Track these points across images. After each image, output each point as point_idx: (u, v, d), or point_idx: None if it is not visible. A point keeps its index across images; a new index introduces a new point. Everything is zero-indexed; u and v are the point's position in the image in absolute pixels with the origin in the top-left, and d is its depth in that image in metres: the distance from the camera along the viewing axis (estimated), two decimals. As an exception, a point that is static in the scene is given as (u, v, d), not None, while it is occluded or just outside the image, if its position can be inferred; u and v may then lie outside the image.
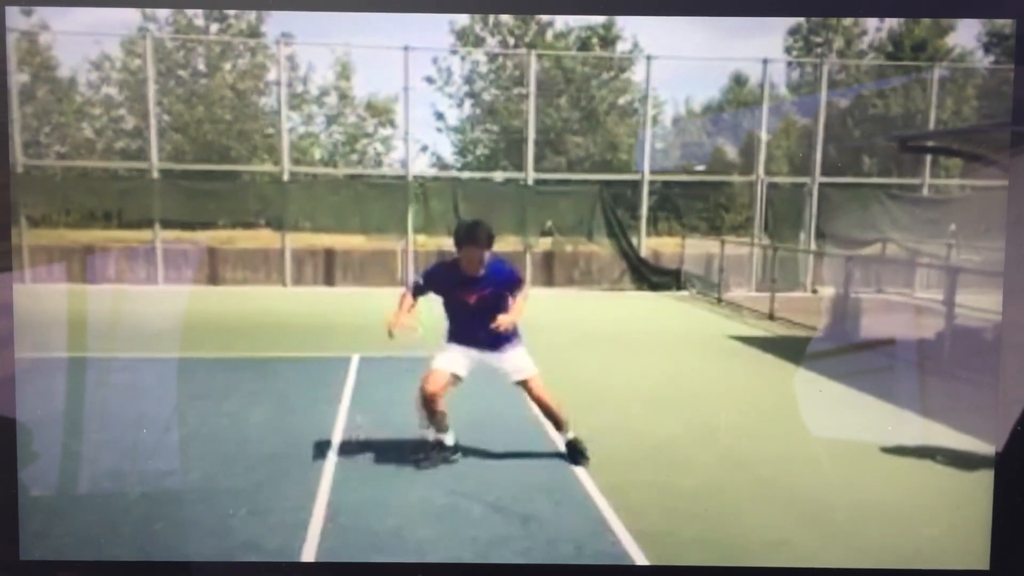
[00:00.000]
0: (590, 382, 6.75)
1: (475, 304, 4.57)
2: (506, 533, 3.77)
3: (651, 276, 13.09)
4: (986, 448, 3.12)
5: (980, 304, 7.00)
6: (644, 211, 13.31)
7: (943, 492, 4.29)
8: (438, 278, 4.67)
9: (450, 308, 4.66)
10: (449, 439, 4.76)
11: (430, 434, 4.74)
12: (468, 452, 4.83)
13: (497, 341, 4.62)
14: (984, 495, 3.04)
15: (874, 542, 3.75)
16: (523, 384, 4.70)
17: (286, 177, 12.64)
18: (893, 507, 4.15)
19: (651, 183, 13.52)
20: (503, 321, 4.51)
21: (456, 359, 4.62)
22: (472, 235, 4.53)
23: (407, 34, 12.55)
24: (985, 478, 3.08)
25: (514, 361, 4.67)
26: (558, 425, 4.81)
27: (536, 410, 5.72)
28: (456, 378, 4.62)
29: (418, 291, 4.63)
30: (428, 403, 4.59)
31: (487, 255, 4.54)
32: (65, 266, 11.52)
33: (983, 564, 3.03)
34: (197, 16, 14.11)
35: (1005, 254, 3.01)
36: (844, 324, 9.26)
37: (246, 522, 3.83)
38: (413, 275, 4.74)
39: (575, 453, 4.77)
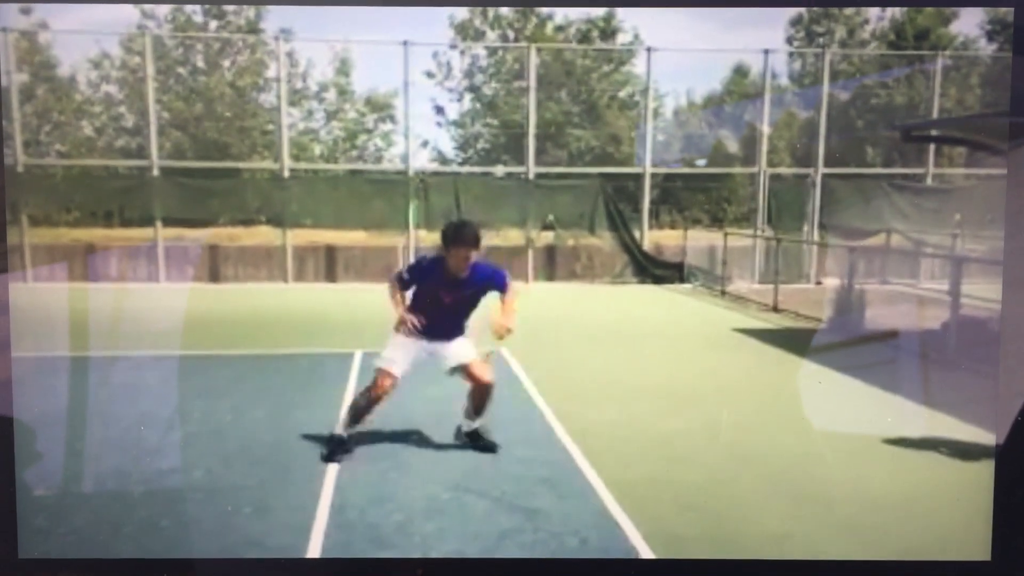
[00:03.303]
0: (593, 376, 6.74)
1: (449, 303, 4.57)
2: (511, 527, 3.77)
3: (654, 269, 13.07)
4: (989, 439, 3.10)
5: (985, 294, 6.96)
6: (646, 204, 13.27)
7: (946, 484, 4.27)
8: (423, 273, 4.64)
9: (423, 302, 4.61)
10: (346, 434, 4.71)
11: (342, 430, 4.68)
12: (472, 447, 4.82)
13: (452, 335, 4.64)
14: (986, 487, 3.03)
15: (877, 534, 3.74)
16: (462, 368, 4.67)
17: (286, 174, 12.64)
18: (896, 499, 4.14)
19: (653, 176, 13.48)
20: (506, 328, 4.48)
21: (403, 358, 4.59)
22: (461, 235, 4.50)
23: (406, 29, 12.53)
24: (988, 469, 3.06)
25: (457, 349, 4.66)
26: (479, 410, 4.78)
27: (539, 403, 5.74)
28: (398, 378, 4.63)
29: (404, 286, 4.62)
30: (373, 404, 4.60)
31: (474, 256, 4.52)
32: (67, 265, 11.54)
33: (984, 555, 3.01)
34: (196, 13, 14.09)
35: (1004, 245, 2.99)
36: (848, 315, 9.23)
37: (250, 519, 3.83)
38: (400, 268, 4.72)
39: (478, 439, 4.79)
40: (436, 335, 4.62)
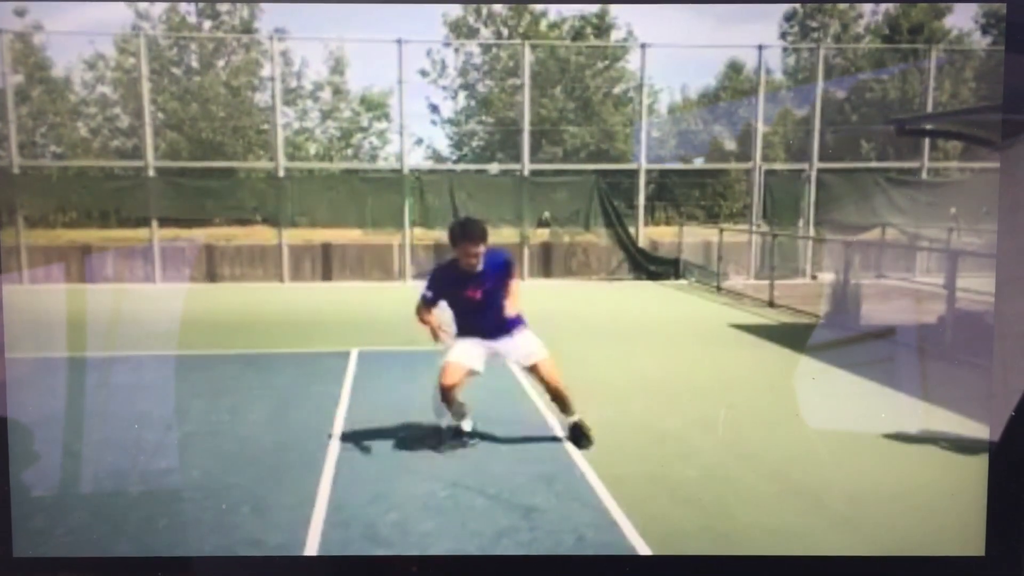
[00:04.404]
0: (590, 373, 6.75)
1: (480, 298, 4.64)
2: (508, 525, 3.78)
3: (649, 265, 13.08)
4: (984, 434, 3.11)
5: (981, 287, 6.98)
6: (641, 200, 13.28)
7: (941, 479, 4.29)
8: (442, 282, 4.69)
9: (457, 307, 4.70)
10: (467, 425, 4.86)
11: (444, 422, 4.87)
12: (471, 444, 4.83)
13: (505, 327, 4.69)
14: (981, 481, 3.04)
15: (872, 529, 3.75)
16: (532, 368, 4.75)
17: (282, 173, 12.62)
18: (891, 494, 4.15)
19: (648, 172, 13.49)
20: (511, 310, 4.59)
21: (470, 352, 4.67)
22: (468, 232, 4.57)
23: (400, 27, 12.51)
24: (983, 464, 3.07)
25: (525, 346, 4.74)
26: (564, 408, 4.85)
27: (535, 400, 5.74)
28: (472, 371, 4.69)
29: (430, 302, 4.66)
30: (446, 395, 4.69)
31: (483, 249, 4.56)
32: (63, 266, 11.52)
33: (978, 551, 3.03)
34: (190, 13, 14.06)
35: (998, 240, 3.00)
36: (844, 310, 9.25)
37: (247, 518, 3.83)
38: (421, 290, 4.78)
39: (579, 436, 4.82)
40: (491, 332, 4.70)
